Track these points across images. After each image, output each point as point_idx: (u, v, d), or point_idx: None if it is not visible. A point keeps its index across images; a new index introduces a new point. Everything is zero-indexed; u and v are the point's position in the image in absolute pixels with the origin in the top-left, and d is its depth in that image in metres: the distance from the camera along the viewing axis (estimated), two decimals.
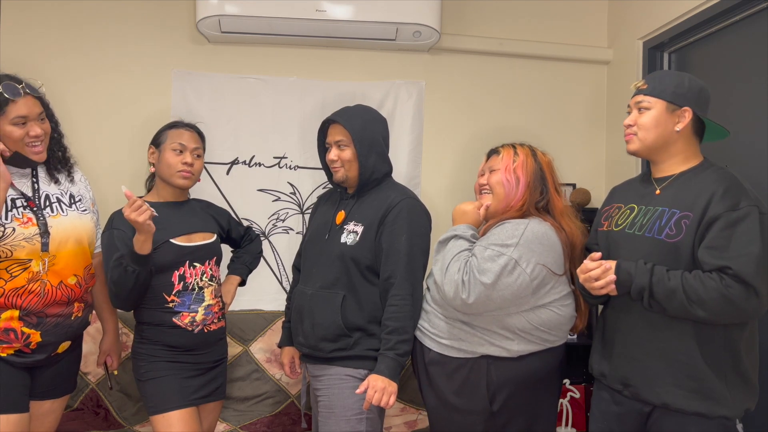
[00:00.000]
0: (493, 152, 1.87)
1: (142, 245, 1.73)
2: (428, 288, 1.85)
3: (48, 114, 1.76)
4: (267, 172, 2.89)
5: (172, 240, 1.84)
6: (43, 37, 2.73)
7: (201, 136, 1.99)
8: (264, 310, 2.79)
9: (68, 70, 2.75)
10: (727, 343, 1.48)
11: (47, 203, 1.73)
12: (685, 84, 1.60)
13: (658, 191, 1.61)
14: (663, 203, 1.57)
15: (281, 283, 2.90)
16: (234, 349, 2.64)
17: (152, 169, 1.94)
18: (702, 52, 2.50)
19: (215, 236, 2.00)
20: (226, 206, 2.84)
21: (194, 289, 1.88)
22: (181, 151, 1.89)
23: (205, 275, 1.91)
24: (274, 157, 2.89)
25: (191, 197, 2.06)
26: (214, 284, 1.94)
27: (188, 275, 1.87)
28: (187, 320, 1.85)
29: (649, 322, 1.54)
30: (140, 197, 1.93)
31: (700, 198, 1.50)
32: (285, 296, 2.83)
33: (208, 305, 1.90)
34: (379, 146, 1.91)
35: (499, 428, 1.71)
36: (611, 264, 1.55)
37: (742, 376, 1.49)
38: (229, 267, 2.17)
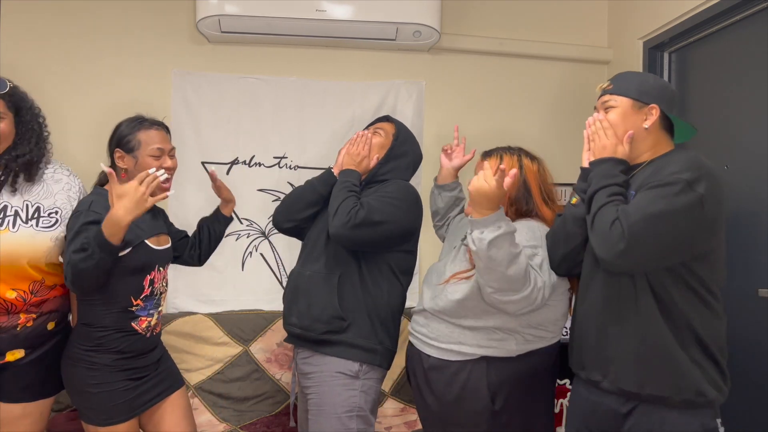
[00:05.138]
0: (485, 156, 1.89)
1: (119, 233, 1.58)
2: (426, 292, 1.85)
3: (20, 116, 1.71)
4: (267, 172, 2.89)
5: (146, 241, 1.78)
6: (43, 39, 2.73)
7: (168, 131, 1.89)
8: (264, 310, 2.79)
9: (68, 71, 2.75)
10: (690, 326, 1.48)
11: (1, 215, 1.66)
12: (650, 82, 1.63)
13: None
14: (632, 188, 1.57)
15: (281, 283, 2.90)
16: (234, 349, 2.64)
17: (123, 175, 1.79)
18: (702, 52, 2.50)
19: (170, 239, 1.95)
20: None
21: (156, 294, 1.83)
22: (159, 157, 1.80)
23: (164, 280, 1.88)
24: (274, 157, 2.89)
25: None
26: (167, 289, 1.92)
27: (156, 280, 1.82)
28: (144, 325, 1.79)
29: (618, 313, 1.54)
30: (103, 186, 1.82)
31: (651, 173, 1.52)
32: None
33: (160, 309, 1.87)
34: (408, 164, 2.01)
35: (501, 428, 1.71)
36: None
37: (711, 356, 1.49)
38: (209, 220, 2.14)
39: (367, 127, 2.06)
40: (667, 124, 1.63)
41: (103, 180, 1.86)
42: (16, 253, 1.65)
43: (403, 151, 1.99)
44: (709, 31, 2.41)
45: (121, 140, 1.81)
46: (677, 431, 1.47)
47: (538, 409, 1.78)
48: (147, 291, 1.79)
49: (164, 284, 1.89)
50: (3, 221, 1.65)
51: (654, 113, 1.59)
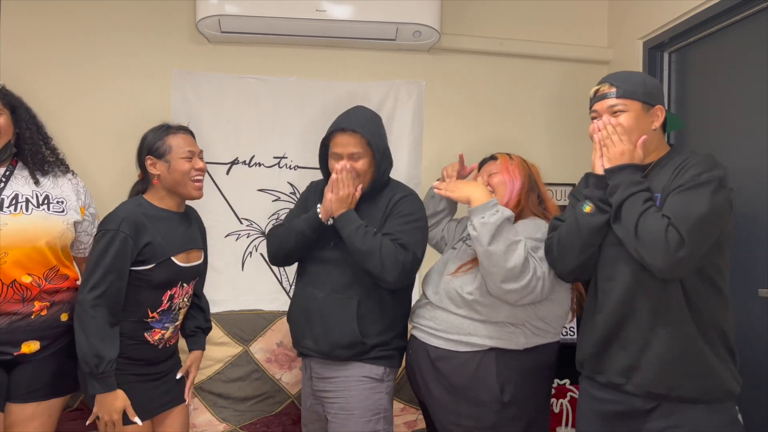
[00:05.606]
0: (488, 159, 1.94)
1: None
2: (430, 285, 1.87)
3: (17, 114, 1.79)
4: (267, 172, 2.89)
5: (173, 258, 1.79)
6: (43, 39, 2.73)
7: (193, 135, 1.92)
8: (264, 310, 2.79)
9: (68, 71, 2.75)
10: (714, 321, 1.51)
11: (13, 202, 1.73)
12: (650, 82, 1.63)
13: None
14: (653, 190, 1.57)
15: (281, 283, 2.90)
16: (234, 349, 2.64)
17: (156, 182, 1.82)
18: (702, 52, 2.50)
19: (203, 254, 1.95)
20: (225, 206, 2.85)
21: (175, 309, 1.84)
22: (191, 158, 1.82)
23: (186, 296, 1.88)
24: (274, 157, 2.89)
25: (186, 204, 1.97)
26: (188, 304, 1.91)
27: (177, 295, 1.83)
28: (157, 337, 1.81)
29: (648, 318, 1.53)
30: (140, 192, 1.87)
31: (672, 174, 1.53)
32: (285, 296, 2.85)
33: (177, 324, 1.88)
34: (387, 149, 1.93)
35: (508, 421, 1.73)
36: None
37: (729, 349, 1.54)
38: (189, 339, 2.01)
39: (328, 139, 1.90)
40: (663, 120, 1.63)
41: (139, 189, 1.89)
42: (34, 233, 1.73)
43: (382, 149, 1.89)
44: (709, 31, 2.41)
45: (151, 147, 1.83)
46: (705, 425, 1.49)
47: (540, 404, 1.81)
48: (165, 305, 1.80)
49: (186, 299, 1.88)
50: (17, 207, 1.73)
51: (660, 114, 1.59)
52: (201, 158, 1.87)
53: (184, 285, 1.85)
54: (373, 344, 1.81)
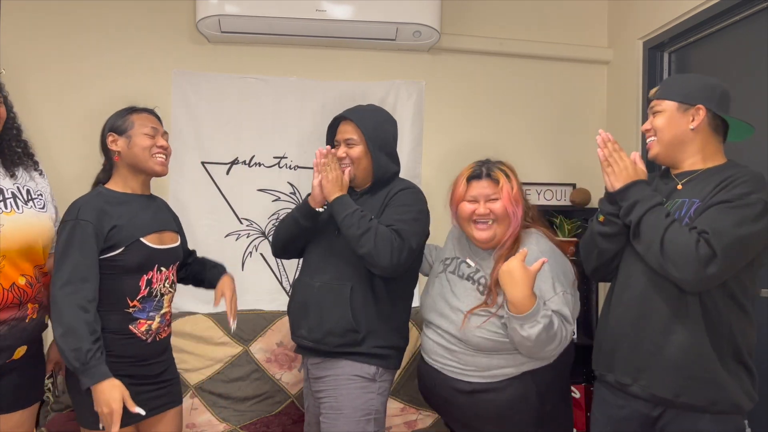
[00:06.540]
0: (479, 177, 1.81)
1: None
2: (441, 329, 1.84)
3: (6, 106, 1.71)
4: (267, 172, 2.89)
5: (142, 239, 1.71)
6: (43, 39, 2.73)
7: (160, 119, 1.88)
8: (264, 310, 2.79)
9: (69, 72, 2.75)
10: (731, 335, 1.51)
11: (0, 198, 1.63)
12: (693, 83, 1.63)
13: (679, 186, 1.61)
14: (684, 195, 1.58)
15: (281, 283, 2.90)
16: (234, 349, 2.64)
17: (117, 158, 1.77)
18: (702, 52, 2.50)
19: (179, 238, 1.89)
20: (225, 206, 2.86)
21: (156, 296, 1.76)
22: (153, 135, 1.77)
23: (167, 281, 1.80)
24: (274, 157, 2.89)
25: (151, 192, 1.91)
26: (173, 291, 1.84)
27: (155, 280, 1.75)
28: (143, 328, 1.72)
29: (662, 321, 1.54)
30: (102, 184, 1.82)
31: (717, 186, 1.52)
32: (285, 296, 2.85)
33: (164, 313, 1.79)
34: (390, 147, 1.94)
35: (548, 422, 1.78)
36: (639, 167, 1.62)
37: (744, 364, 1.53)
38: (209, 274, 2.02)
39: (330, 132, 1.99)
40: (716, 124, 1.61)
41: (101, 178, 1.84)
42: (30, 233, 1.65)
43: (382, 138, 1.90)
44: (709, 31, 2.41)
45: (114, 124, 1.80)
46: (710, 427, 1.49)
47: (566, 396, 1.89)
48: (144, 292, 1.72)
49: (168, 285, 1.81)
50: (6, 204, 1.63)
51: (700, 113, 1.58)
52: (165, 138, 1.82)
53: (162, 269, 1.78)
54: (365, 336, 1.79)
